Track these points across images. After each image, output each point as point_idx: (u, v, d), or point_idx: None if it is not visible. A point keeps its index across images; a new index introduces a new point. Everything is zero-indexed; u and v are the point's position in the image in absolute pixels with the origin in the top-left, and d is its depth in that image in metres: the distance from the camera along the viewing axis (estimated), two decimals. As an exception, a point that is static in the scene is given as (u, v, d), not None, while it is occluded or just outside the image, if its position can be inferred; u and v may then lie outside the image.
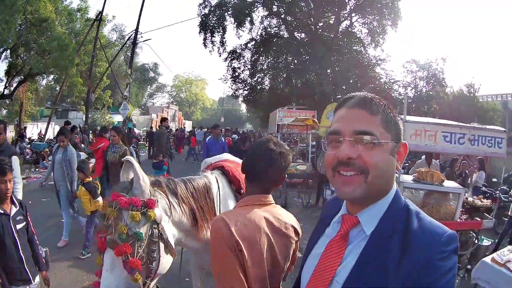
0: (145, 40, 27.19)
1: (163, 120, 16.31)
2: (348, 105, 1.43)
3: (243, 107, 72.13)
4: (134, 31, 26.00)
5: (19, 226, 4.01)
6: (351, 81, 27.78)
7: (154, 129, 28.36)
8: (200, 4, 31.19)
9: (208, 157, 9.78)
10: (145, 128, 41.53)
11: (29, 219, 4.30)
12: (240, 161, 4.73)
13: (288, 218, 2.33)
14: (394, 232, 1.29)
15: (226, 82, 33.70)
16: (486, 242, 7.85)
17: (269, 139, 2.42)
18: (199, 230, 3.16)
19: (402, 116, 7.68)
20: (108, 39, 36.90)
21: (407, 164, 18.31)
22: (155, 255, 2.59)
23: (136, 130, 32.47)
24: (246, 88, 33.11)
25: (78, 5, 26.58)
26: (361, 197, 1.36)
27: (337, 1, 29.14)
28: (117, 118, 35.23)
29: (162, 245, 2.67)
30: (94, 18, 25.79)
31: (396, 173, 1.48)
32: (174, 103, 68.78)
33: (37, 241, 4.40)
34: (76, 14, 25.93)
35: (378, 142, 1.32)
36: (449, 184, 7.48)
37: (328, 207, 1.71)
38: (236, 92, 33.71)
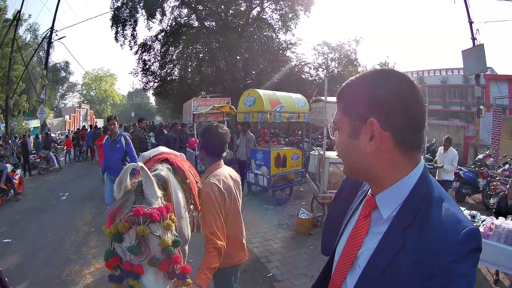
0: (60, 38, 25.55)
1: (141, 120, 14.22)
2: None
3: (152, 99, 71.65)
4: (50, 29, 24.70)
5: None
6: (261, 66, 28.18)
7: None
8: (114, -3, 30.31)
9: (108, 165, 8.63)
10: (59, 132, 39.61)
11: None
12: (176, 152, 5.20)
13: (234, 172, 3.64)
14: (412, 223, 1.20)
15: (137, 76, 33.26)
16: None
17: (216, 124, 3.63)
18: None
19: (323, 98, 8.02)
20: (23, 40, 34.98)
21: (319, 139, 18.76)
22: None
23: (52, 134, 30.51)
24: (156, 80, 32.86)
25: (-4, 5, 24.89)
26: (346, 172, 1.46)
27: (249, -13, 29.02)
28: (33, 124, 33.22)
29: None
30: (12, 18, 24.03)
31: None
32: (85, 102, 66.53)
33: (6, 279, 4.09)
34: (-6, 15, 24.00)
35: (336, 128, 1.41)
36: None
37: (365, 185, 1.65)
38: (147, 85, 33.36)
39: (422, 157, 1.33)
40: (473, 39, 18.17)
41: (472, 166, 13.43)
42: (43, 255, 7.34)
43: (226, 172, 3.46)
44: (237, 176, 3.61)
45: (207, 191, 3.18)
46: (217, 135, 3.43)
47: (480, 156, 14.37)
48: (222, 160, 3.57)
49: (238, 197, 3.51)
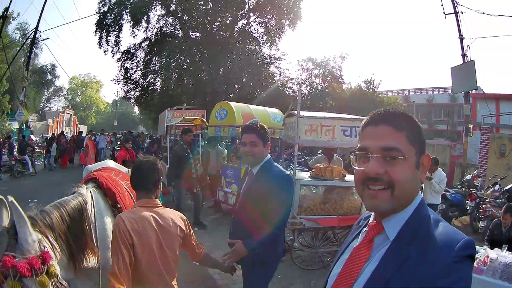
0: (44, 40, 25.33)
1: (186, 132, 10.18)
2: (374, 122, 1.49)
3: (136, 109, 70.15)
4: (34, 30, 24.40)
5: None
6: (243, 80, 28.04)
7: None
8: (100, 2, 30.02)
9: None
10: (41, 135, 38.80)
11: None
12: (123, 168, 5.09)
13: (173, 217, 2.98)
14: (414, 239, 1.33)
15: (119, 84, 32.84)
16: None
17: (146, 158, 3.11)
18: (77, 262, 2.94)
19: (296, 112, 7.49)
20: (11, 39, 34.70)
21: (302, 160, 18.34)
22: None
23: (33, 137, 30.05)
24: (137, 90, 32.49)
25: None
26: (387, 209, 1.43)
27: (236, 0, 29.21)
28: (16, 125, 32.89)
29: None
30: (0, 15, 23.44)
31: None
32: (70, 107, 65.58)
33: None
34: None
35: (404, 158, 1.39)
36: (352, 178, 7.15)
37: (361, 219, 1.76)
38: (128, 94, 32.89)
39: None
40: (463, 55, 17.83)
41: (459, 187, 13.11)
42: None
43: (150, 215, 2.86)
44: (171, 226, 2.96)
45: (113, 225, 2.80)
46: (142, 169, 3.00)
47: (468, 177, 13.92)
48: (155, 198, 3.05)
49: (161, 251, 2.86)
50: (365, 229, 1.58)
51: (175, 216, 3.05)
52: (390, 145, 1.40)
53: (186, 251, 3.27)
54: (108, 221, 3.46)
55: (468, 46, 17.72)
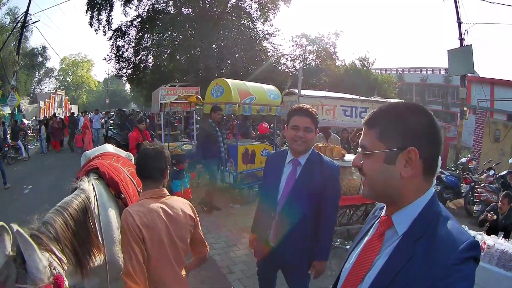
0: (34, 22, 24.99)
1: (215, 110, 9.45)
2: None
3: (128, 86, 68.99)
4: (24, 13, 24.02)
5: None
6: (236, 56, 27.89)
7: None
8: (91, -20, 29.43)
9: None
10: (34, 118, 38.40)
11: None
12: (122, 152, 5.02)
13: (182, 207, 2.84)
14: (422, 236, 1.36)
15: (110, 62, 32.62)
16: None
17: (152, 145, 2.93)
18: (83, 267, 2.88)
19: (296, 91, 7.37)
20: (1, 24, 34.50)
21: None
22: None
23: (25, 121, 29.62)
24: (129, 67, 32.03)
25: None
26: (369, 196, 1.56)
27: (230, -25, 28.64)
28: (8, 110, 32.58)
29: None
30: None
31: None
32: (61, 88, 64.88)
33: None
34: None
35: (368, 154, 1.50)
36: (351, 158, 6.90)
37: (377, 209, 1.79)
38: (120, 72, 32.48)
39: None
40: (461, 39, 17.71)
41: (453, 169, 13.17)
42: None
43: (158, 206, 2.72)
44: (181, 216, 2.82)
45: (121, 221, 2.64)
46: (147, 157, 2.81)
47: (463, 160, 14.02)
48: (163, 188, 2.90)
49: (171, 242, 2.73)
50: (378, 221, 1.64)
51: (184, 205, 2.92)
52: (361, 143, 1.56)
53: (191, 246, 3.05)
54: (112, 214, 3.39)
55: (466, 30, 17.60)
